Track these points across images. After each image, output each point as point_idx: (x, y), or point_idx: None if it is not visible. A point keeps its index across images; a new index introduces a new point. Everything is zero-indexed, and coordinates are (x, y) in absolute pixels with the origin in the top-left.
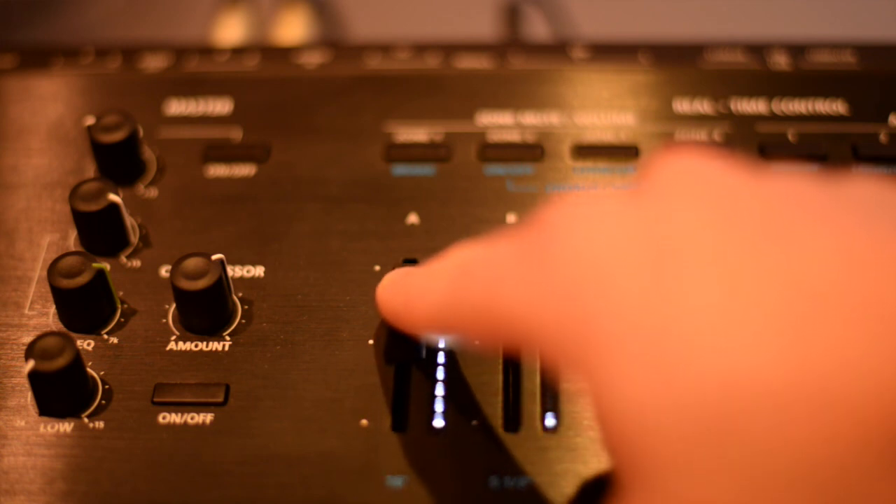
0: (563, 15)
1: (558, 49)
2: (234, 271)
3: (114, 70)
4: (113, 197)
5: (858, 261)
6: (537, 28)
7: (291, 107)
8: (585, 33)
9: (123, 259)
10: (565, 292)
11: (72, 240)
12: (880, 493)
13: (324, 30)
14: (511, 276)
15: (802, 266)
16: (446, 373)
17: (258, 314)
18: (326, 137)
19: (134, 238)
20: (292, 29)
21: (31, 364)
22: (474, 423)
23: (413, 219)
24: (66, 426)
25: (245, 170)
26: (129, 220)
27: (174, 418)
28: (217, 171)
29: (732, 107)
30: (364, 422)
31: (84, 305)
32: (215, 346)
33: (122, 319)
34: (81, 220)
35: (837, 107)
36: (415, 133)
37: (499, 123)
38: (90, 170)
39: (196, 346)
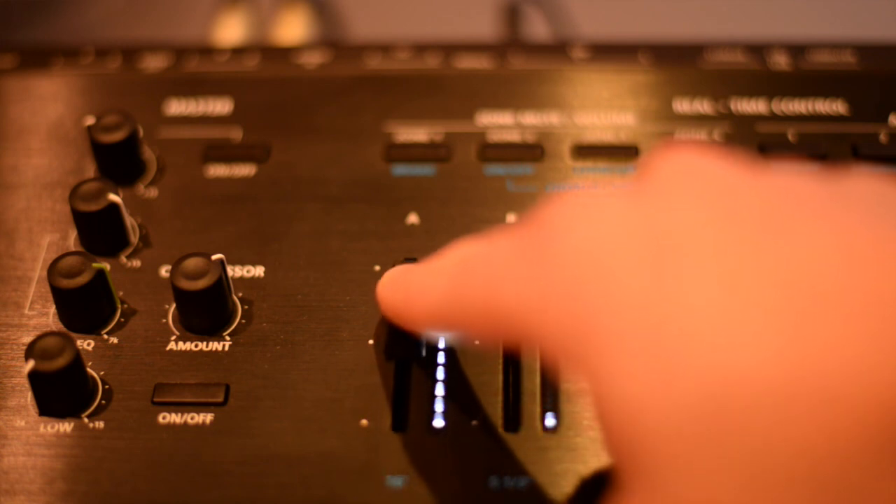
0: (563, 15)
1: (558, 49)
2: (234, 271)
3: (114, 70)
4: (113, 197)
5: (859, 258)
6: (537, 28)
7: (291, 107)
8: (585, 33)
9: (123, 259)
10: (565, 289)
11: (72, 240)
12: (881, 491)
13: (324, 30)
14: (511, 272)
15: (803, 263)
16: (446, 372)
17: (258, 314)
18: (326, 137)
19: (134, 238)
20: (292, 29)
21: (31, 364)
22: (474, 422)
23: (413, 219)
24: (66, 426)
25: (245, 170)
26: (129, 220)
27: (174, 418)
28: (217, 171)
29: (732, 107)
30: (364, 422)
31: (84, 305)
32: (215, 346)
33: (122, 319)
34: (81, 220)
35: (837, 107)
36: (415, 133)
37: (499, 123)
38: (90, 170)
39: (196, 346)
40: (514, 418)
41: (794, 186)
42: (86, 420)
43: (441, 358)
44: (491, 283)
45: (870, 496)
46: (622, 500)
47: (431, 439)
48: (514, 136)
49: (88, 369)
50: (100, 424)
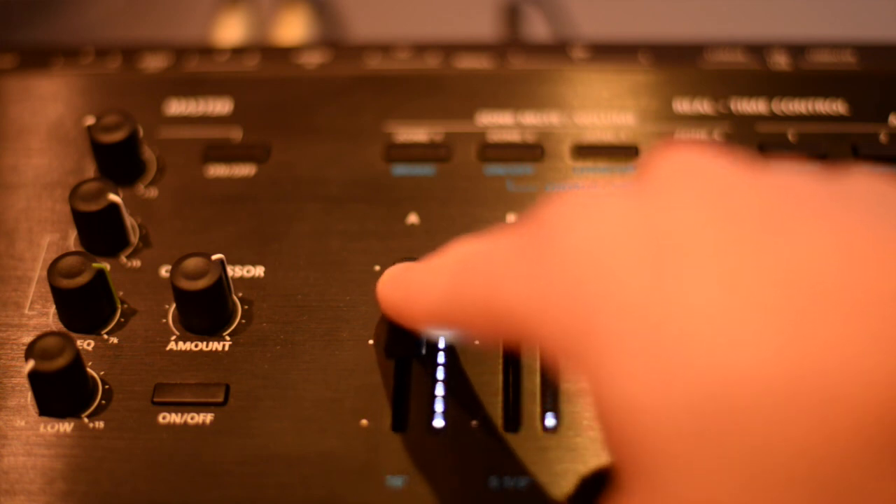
0: (563, 15)
1: (558, 49)
2: (234, 271)
3: (114, 70)
4: (113, 197)
5: (858, 257)
6: (537, 28)
7: (291, 107)
8: (585, 33)
9: (123, 259)
10: (565, 288)
11: (72, 240)
12: (880, 490)
13: (324, 30)
14: (511, 271)
15: (802, 262)
16: (446, 372)
17: (258, 314)
18: (326, 137)
19: (134, 238)
20: (292, 29)
21: (31, 364)
22: (474, 422)
23: (413, 219)
24: (66, 426)
25: (245, 170)
26: (129, 220)
27: (174, 418)
28: (217, 171)
29: (732, 107)
30: (364, 422)
31: (84, 305)
32: (215, 346)
33: (122, 319)
34: (81, 220)
35: (837, 107)
36: (415, 133)
37: (499, 123)
38: (90, 170)
39: (196, 346)
40: (514, 418)
41: (793, 186)
42: (86, 420)
43: (441, 358)
44: (491, 281)
45: (869, 496)
46: (622, 500)
47: (431, 439)
48: (514, 136)
49: (88, 369)
50: (100, 424)
